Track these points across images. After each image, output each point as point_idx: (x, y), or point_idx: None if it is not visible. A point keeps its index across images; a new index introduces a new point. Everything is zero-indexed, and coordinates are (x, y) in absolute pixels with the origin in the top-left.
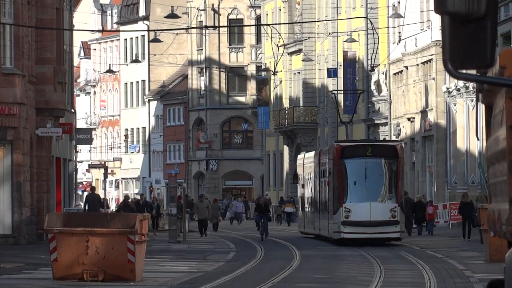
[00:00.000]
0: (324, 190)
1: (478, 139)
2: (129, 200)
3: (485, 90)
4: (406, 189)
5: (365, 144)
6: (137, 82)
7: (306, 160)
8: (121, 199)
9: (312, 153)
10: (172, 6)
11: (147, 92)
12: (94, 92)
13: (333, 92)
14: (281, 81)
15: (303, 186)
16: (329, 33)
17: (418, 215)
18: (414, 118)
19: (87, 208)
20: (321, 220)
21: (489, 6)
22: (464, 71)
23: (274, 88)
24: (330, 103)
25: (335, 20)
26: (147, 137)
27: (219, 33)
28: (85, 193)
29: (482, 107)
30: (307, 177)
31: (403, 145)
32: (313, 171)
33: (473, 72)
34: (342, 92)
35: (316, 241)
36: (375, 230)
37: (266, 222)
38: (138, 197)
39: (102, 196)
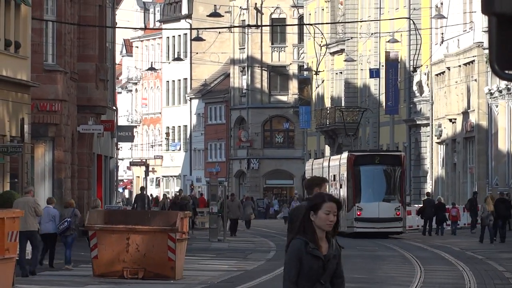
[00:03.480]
0: (336, 191)
1: None
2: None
3: None
4: (447, 190)
5: (374, 153)
6: (179, 80)
7: (315, 166)
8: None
9: (320, 160)
10: (215, 5)
11: (188, 90)
12: (136, 90)
13: (341, 109)
14: (323, 80)
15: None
16: (372, 33)
17: (440, 216)
18: (455, 119)
19: (136, 208)
20: None
21: None
22: (510, 72)
23: (316, 88)
24: (371, 104)
25: (377, 20)
26: (188, 135)
27: (261, 32)
28: (126, 191)
29: None
30: None
31: (404, 154)
32: (323, 175)
33: None
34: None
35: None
36: (382, 226)
37: None
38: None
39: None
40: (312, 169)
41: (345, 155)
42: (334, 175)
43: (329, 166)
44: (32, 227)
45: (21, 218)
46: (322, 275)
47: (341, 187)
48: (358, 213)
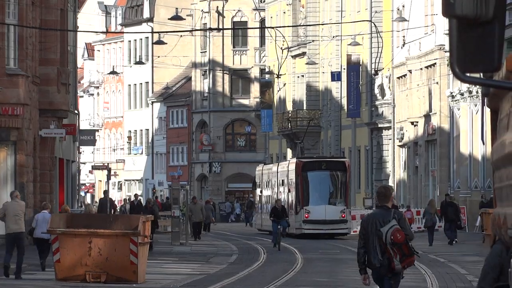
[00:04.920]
0: (284, 195)
1: (483, 143)
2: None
3: (491, 94)
4: (409, 193)
5: (320, 160)
6: (141, 84)
7: (265, 171)
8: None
9: (270, 165)
10: (177, 8)
11: (150, 94)
12: (98, 94)
13: (289, 118)
14: (285, 84)
15: (261, 191)
16: (333, 36)
17: None
18: (417, 122)
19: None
20: None
21: (497, 10)
22: (471, 74)
23: (278, 91)
24: (333, 107)
25: (339, 23)
26: (150, 139)
27: (223, 36)
28: (88, 195)
29: (487, 111)
30: (266, 185)
31: (349, 160)
32: (273, 180)
33: (480, 75)
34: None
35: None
36: (329, 227)
37: (285, 225)
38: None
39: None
40: (262, 174)
41: (293, 161)
42: (282, 180)
43: (277, 172)
44: (19, 230)
45: (8, 221)
46: None
47: (289, 191)
48: (306, 215)
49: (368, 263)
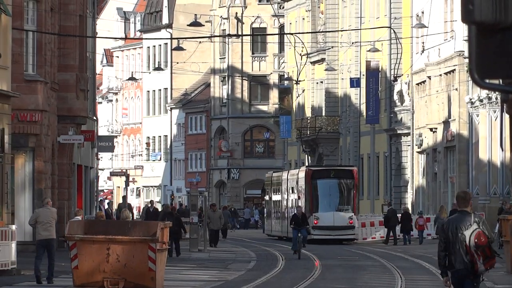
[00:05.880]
0: (294, 202)
1: (502, 150)
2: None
3: (510, 100)
4: (428, 200)
5: (329, 168)
6: (159, 90)
7: (274, 178)
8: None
9: (279, 173)
10: (196, 14)
11: (169, 100)
12: (116, 100)
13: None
14: (304, 90)
15: (270, 198)
16: (352, 43)
17: (405, 225)
18: (436, 128)
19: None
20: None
21: None
22: (490, 80)
23: (297, 97)
24: (352, 113)
25: (358, 29)
26: (168, 145)
27: (242, 42)
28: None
29: (506, 118)
30: (275, 192)
31: (356, 169)
32: (283, 187)
33: (499, 82)
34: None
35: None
36: (337, 233)
37: (305, 234)
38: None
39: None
40: (271, 182)
41: (303, 169)
42: (292, 187)
43: (287, 179)
44: (50, 236)
45: (39, 227)
46: None
47: (299, 198)
48: (315, 221)
49: (450, 265)
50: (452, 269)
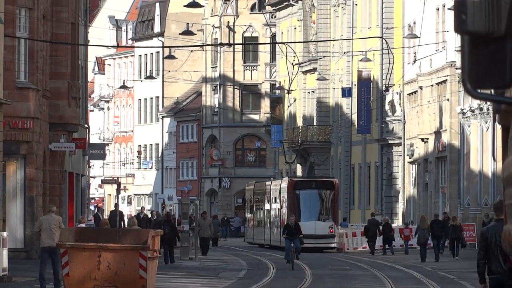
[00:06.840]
0: (276, 211)
1: (494, 160)
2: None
3: (502, 110)
4: (419, 210)
5: (311, 179)
6: (151, 98)
7: (256, 188)
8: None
9: (262, 183)
10: (187, 23)
11: (160, 108)
12: (108, 108)
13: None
14: (295, 99)
15: (251, 207)
16: (344, 53)
17: (387, 235)
18: (427, 138)
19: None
20: (272, 234)
21: (509, 26)
22: (482, 90)
23: (288, 107)
24: (344, 123)
25: (350, 39)
26: (160, 154)
27: (234, 51)
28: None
29: (498, 128)
30: (257, 201)
31: (337, 180)
32: (265, 197)
33: (491, 92)
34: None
35: (271, 249)
36: (318, 241)
37: (298, 245)
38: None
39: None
40: (254, 191)
41: (285, 179)
42: (275, 197)
43: (271, 190)
44: (54, 244)
45: (43, 235)
46: None
47: (281, 207)
48: None
49: (489, 271)
50: (491, 275)
